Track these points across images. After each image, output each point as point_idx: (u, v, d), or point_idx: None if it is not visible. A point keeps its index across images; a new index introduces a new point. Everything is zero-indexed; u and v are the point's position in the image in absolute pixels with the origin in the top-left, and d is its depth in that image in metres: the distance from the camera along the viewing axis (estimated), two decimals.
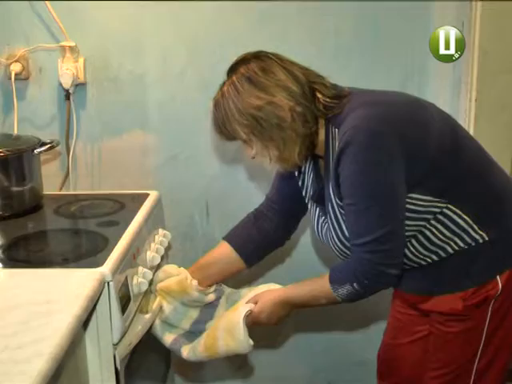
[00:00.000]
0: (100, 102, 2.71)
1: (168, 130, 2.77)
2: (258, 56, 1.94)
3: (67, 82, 2.60)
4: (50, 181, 2.63)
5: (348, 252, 1.98)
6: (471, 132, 2.57)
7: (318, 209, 2.11)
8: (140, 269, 2.07)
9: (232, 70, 1.96)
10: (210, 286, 2.25)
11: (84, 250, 2.14)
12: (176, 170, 2.80)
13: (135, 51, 2.68)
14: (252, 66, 1.91)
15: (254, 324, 2.09)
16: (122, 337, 1.89)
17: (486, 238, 1.92)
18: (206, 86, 2.68)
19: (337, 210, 1.96)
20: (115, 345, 1.87)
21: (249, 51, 1.97)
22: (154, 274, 2.16)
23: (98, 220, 2.27)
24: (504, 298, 1.99)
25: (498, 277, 1.96)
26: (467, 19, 2.61)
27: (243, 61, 1.95)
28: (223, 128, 1.95)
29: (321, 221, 2.10)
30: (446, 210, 1.90)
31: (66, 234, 2.25)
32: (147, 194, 2.47)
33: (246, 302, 2.11)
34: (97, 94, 2.70)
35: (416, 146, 1.86)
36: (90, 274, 1.80)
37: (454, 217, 1.91)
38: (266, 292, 2.12)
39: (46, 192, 2.49)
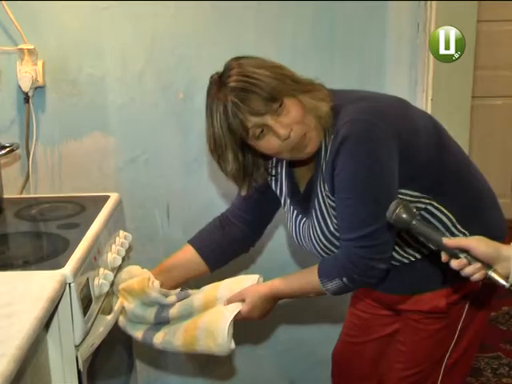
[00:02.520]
0: (59, 105, 2.71)
1: (128, 132, 2.77)
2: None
3: (26, 85, 2.59)
4: (10, 184, 2.62)
5: (332, 248, 1.99)
6: None
7: (295, 211, 2.12)
8: (101, 270, 2.07)
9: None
10: (174, 288, 2.24)
11: (45, 252, 2.14)
12: (136, 172, 2.80)
13: (94, 53, 2.68)
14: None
15: (244, 321, 2.09)
16: (84, 338, 1.89)
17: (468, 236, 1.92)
18: (164, 88, 2.71)
19: (323, 205, 1.96)
20: (77, 346, 1.88)
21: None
22: (115, 276, 2.17)
23: (58, 222, 2.27)
24: (479, 296, 2.03)
25: None
26: (422, 21, 2.65)
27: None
28: (214, 154, 1.95)
29: (298, 221, 2.10)
30: (430, 207, 1.92)
31: (26, 236, 2.25)
32: (108, 196, 2.47)
33: (228, 300, 2.11)
34: (56, 96, 2.70)
35: (409, 142, 1.88)
36: (51, 275, 1.80)
37: (438, 214, 1.93)
38: (253, 287, 2.11)
39: (6, 196, 2.48)
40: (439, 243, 1.62)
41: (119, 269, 2.25)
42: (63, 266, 1.86)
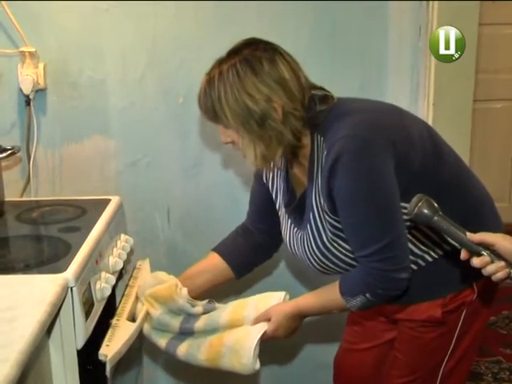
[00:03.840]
0: (60, 108, 2.70)
1: (128, 135, 2.76)
2: (266, 46, 1.89)
3: (27, 88, 2.59)
4: (11, 187, 2.61)
5: (325, 261, 1.98)
6: None
7: (289, 220, 2.10)
8: (103, 274, 2.06)
9: (235, 51, 1.89)
10: (199, 296, 2.23)
11: (46, 255, 2.13)
12: (137, 176, 2.80)
13: (95, 56, 2.68)
14: (259, 55, 1.85)
15: (270, 340, 2.09)
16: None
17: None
18: (165, 91, 2.72)
19: (318, 219, 1.95)
20: (78, 350, 1.87)
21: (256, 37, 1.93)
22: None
23: (59, 226, 2.26)
24: (476, 303, 2.02)
25: (474, 284, 1.98)
26: (424, 24, 2.65)
27: (249, 45, 1.89)
28: (210, 108, 1.89)
29: (293, 231, 2.09)
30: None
31: (27, 240, 2.24)
32: (109, 200, 2.46)
33: (256, 320, 2.10)
34: (57, 99, 2.69)
35: (404, 153, 1.86)
36: (53, 279, 1.80)
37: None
38: (278, 306, 2.09)
39: (7, 199, 2.47)
40: (461, 239, 1.60)
41: (120, 273, 2.25)
42: (65, 269, 1.85)
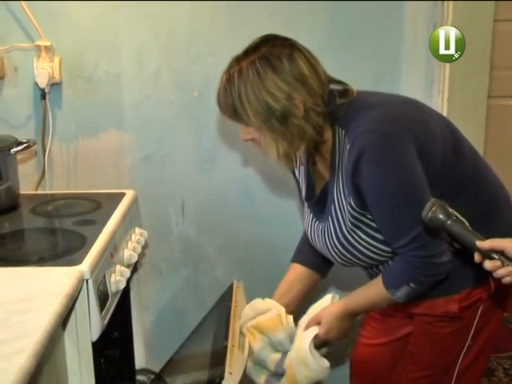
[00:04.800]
0: (76, 102, 2.71)
1: (143, 129, 2.77)
2: (284, 42, 1.87)
3: (43, 82, 2.60)
4: (26, 180, 2.63)
5: (345, 253, 1.99)
6: None
7: (311, 213, 2.11)
8: (118, 267, 2.08)
9: (253, 48, 1.87)
10: (295, 308, 2.23)
11: (61, 248, 2.14)
12: (151, 170, 2.81)
13: (110, 51, 2.69)
14: (277, 51, 1.84)
15: (324, 343, 2.08)
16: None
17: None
18: (180, 86, 2.72)
19: (339, 211, 1.95)
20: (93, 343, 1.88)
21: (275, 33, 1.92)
22: (130, 273, 2.18)
23: (74, 219, 2.28)
24: (493, 298, 2.02)
25: (490, 280, 1.97)
26: (439, 20, 2.65)
27: (267, 42, 1.87)
28: (231, 107, 1.87)
29: (314, 224, 2.09)
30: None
31: (43, 232, 2.26)
32: (123, 194, 2.48)
33: (307, 325, 2.09)
34: (72, 93, 2.70)
35: (426, 146, 1.86)
36: (68, 272, 1.81)
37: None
38: (326, 309, 2.08)
39: (22, 192, 2.49)
40: (473, 244, 1.61)
41: (135, 266, 2.25)
42: (80, 262, 1.87)
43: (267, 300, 2.21)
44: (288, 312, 2.17)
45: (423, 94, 2.74)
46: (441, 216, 1.63)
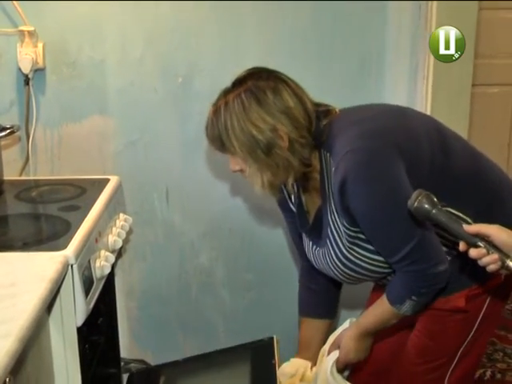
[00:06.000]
0: (59, 88, 2.70)
1: (127, 115, 2.76)
2: (270, 75, 1.92)
3: (26, 67, 2.58)
4: (10, 166, 2.61)
5: (349, 272, 2.01)
6: None
7: (310, 241, 2.13)
8: (102, 252, 2.08)
9: (240, 81, 1.92)
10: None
11: (46, 233, 2.14)
12: (136, 156, 2.80)
13: (94, 36, 2.67)
14: (262, 85, 1.89)
15: (346, 365, 2.13)
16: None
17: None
18: (164, 72, 2.72)
19: (335, 233, 1.97)
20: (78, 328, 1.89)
21: (258, 65, 1.97)
22: (116, 258, 2.18)
23: (59, 205, 2.27)
24: (501, 289, 2.04)
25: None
26: (424, 3, 2.65)
27: (253, 75, 1.92)
28: (218, 138, 1.93)
29: (313, 249, 2.12)
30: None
31: (27, 218, 2.25)
32: (108, 179, 2.48)
33: (328, 350, 2.14)
34: (56, 79, 2.68)
35: (411, 152, 1.88)
36: (53, 257, 1.81)
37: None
38: (343, 332, 2.13)
39: (5, 177, 2.48)
40: (459, 231, 1.61)
41: (120, 251, 2.25)
42: (65, 247, 1.87)
43: (293, 360, 2.29)
44: (315, 361, 2.23)
45: (407, 81, 2.75)
46: (426, 206, 1.64)
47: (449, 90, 2.72)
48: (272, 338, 2.43)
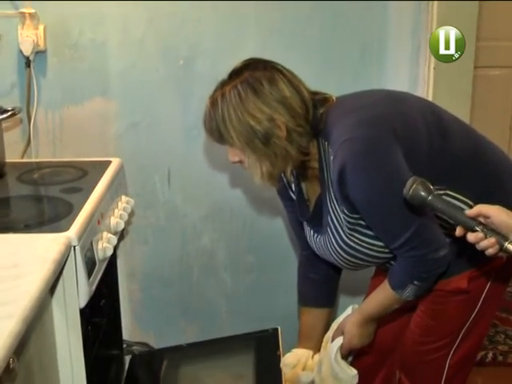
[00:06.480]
0: (61, 70, 2.69)
1: (129, 97, 2.75)
2: (266, 65, 1.93)
3: (27, 50, 2.58)
4: (11, 149, 2.60)
5: (351, 259, 2.01)
6: (430, 99, 2.61)
7: (311, 229, 2.14)
8: (105, 234, 2.08)
9: (236, 72, 1.93)
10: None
11: (49, 215, 2.15)
12: (137, 138, 2.79)
13: (95, 18, 2.66)
14: (258, 75, 1.89)
15: (350, 351, 2.14)
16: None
17: None
18: (166, 53, 2.71)
19: (335, 220, 1.98)
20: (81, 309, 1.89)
21: (255, 56, 1.97)
22: (118, 240, 2.18)
23: (61, 187, 2.27)
24: (503, 271, 2.04)
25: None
26: None
27: (249, 66, 1.93)
28: (215, 130, 1.94)
29: (314, 237, 2.12)
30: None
31: (29, 200, 2.26)
32: (110, 162, 2.48)
33: (332, 337, 2.16)
34: (57, 61, 2.68)
35: (408, 138, 1.88)
36: (56, 238, 1.81)
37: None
38: (346, 318, 2.14)
39: (7, 160, 2.47)
40: (456, 216, 1.61)
41: (122, 233, 2.26)
42: (68, 228, 1.87)
43: (295, 351, 2.30)
44: (318, 349, 2.27)
45: (410, 61, 2.74)
46: (422, 193, 1.64)
47: (451, 72, 2.71)
48: (277, 329, 2.46)
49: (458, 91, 2.75)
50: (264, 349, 2.44)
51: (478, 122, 2.89)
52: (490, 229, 1.57)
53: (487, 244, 1.57)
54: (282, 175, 2.10)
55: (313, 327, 2.32)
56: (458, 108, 2.07)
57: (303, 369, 2.24)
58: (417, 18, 2.72)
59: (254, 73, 1.90)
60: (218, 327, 3.02)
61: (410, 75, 2.76)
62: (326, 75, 2.69)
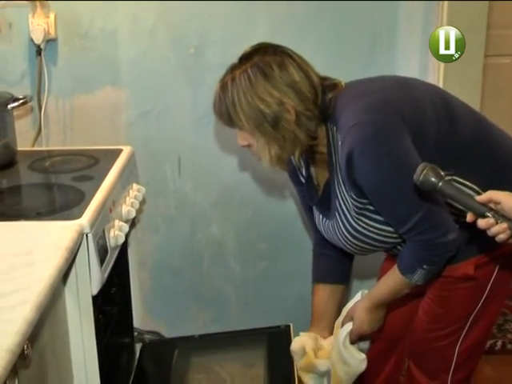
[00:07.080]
0: (71, 58, 2.69)
1: (140, 85, 2.76)
2: (276, 50, 1.93)
3: (38, 38, 2.58)
4: (22, 137, 2.61)
5: (359, 243, 2.02)
6: None
7: (320, 214, 2.14)
8: (116, 222, 2.09)
9: (246, 57, 1.93)
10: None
11: (61, 203, 2.16)
12: (148, 126, 2.80)
13: (106, 7, 2.66)
14: (268, 59, 1.90)
15: (360, 337, 2.14)
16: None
17: None
18: (176, 42, 2.71)
19: (343, 205, 1.98)
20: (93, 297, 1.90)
21: (265, 41, 1.98)
22: (129, 228, 2.19)
23: (72, 175, 2.29)
24: (510, 256, 2.03)
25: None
26: None
27: (259, 50, 1.93)
28: (225, 113, 1.94)
29: (323, 222, 2.13)
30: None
31: (41, 188, 2.27)
32: (121, 150, 2.48)
33: (342, 322, 2.15)
34: (68, 49, 2.68)
35: (416, 122, 1.88)
36: (68, 226, 1.83)
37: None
38: (356, 304, 2.13)
39: (18, 148, 2.49)
40: (467, 202, 1.61)
41: (133, 221, 2.27)
42: (80, 216, 1.88)
43: (297, 339, 2.27)
44: (330, 330, 2.25)
45: (420, 51, 2.74)
46: (432, 179, 1.63)
47: (461, 61, 2.69)
48: (289, 326, 2.47)
49: (468, 80, 2.74)
50: (276, 344, 2.46)
51: (489, 110, 2.89)
52: (500, 214, 1.57)
53: (498, 229, 1.57)
54: (292, 159, 2.10)
55: (326, 305, 2.31)
56: (469, 96, 2.06)
57: (316, 356, 2.24)
58: (428, 6, 2.71)
59: (264, 57, 1.91)
60: (229, 316, 3.04)
61: (421, 64, 2.75)
62: (336, 65, 2.67)
